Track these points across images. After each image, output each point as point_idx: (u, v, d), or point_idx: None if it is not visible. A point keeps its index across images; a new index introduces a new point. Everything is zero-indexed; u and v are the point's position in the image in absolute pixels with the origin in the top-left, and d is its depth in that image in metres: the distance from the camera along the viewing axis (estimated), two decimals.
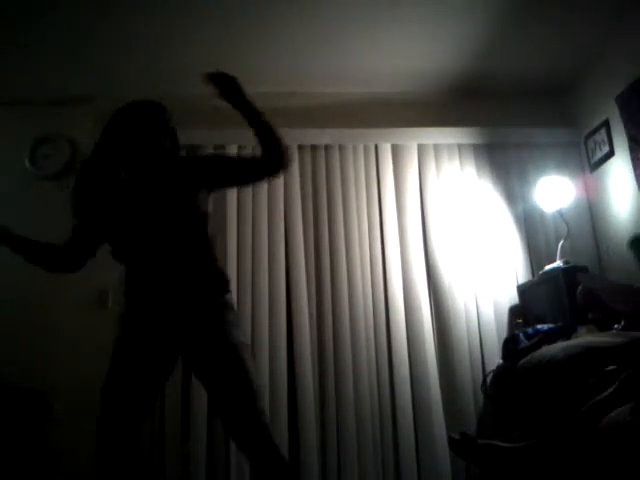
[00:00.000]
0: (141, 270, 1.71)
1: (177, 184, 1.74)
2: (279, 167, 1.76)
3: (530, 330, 2.56)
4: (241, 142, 2.97)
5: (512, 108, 3.34)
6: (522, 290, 3.03)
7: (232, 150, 3.05)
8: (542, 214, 3.19)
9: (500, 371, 2.68)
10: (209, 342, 1.64)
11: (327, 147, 3.21)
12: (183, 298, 1.68)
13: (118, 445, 1.66)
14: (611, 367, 1.70)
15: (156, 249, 1.69)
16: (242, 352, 1.65)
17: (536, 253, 3.15)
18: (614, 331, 2.20)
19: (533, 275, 3.07)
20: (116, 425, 1.67)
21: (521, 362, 2.31)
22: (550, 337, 2.40)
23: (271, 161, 1.74)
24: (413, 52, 3.04)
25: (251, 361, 1.69)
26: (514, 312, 3.01)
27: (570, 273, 2.67)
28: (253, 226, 3.02)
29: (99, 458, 1.67)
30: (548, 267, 2.86)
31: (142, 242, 1.70)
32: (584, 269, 2.74)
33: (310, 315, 2.92)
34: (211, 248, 1.78)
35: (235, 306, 1.80)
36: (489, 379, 2.75)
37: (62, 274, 1.91)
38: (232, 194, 3.01)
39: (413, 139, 3.25)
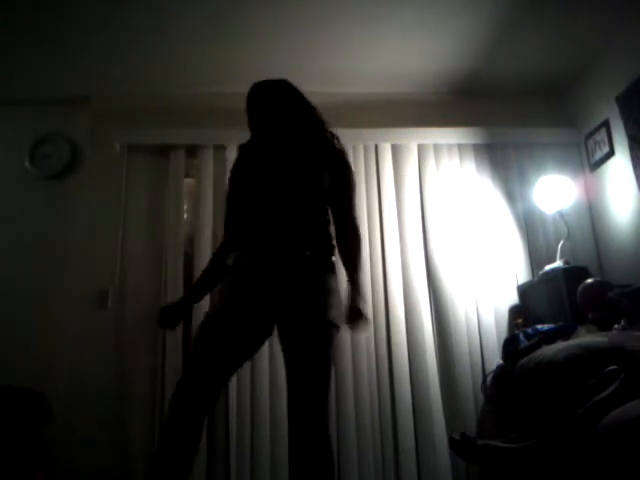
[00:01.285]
0: (257, 224, 1.74)
1: (311, 157, 1.81)
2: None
3: (530, 330, 2.56)
4: (240, 142, 2.95)
5: (512, 108, 3.34)
6: (522, 290, 3.03)
7: (232, 150, 3.05)
8: (542, 214, 3.18)
9: (500, 371, 2.68)
10: (306, 312, 1.64)
11: None
12: (289, 249, 1.69)
13: (192, 410, 1.60)
14: (612, 367, 1.70)
15: (277, 206, 1.73)
16: (333, 340, 1.65)
17: (536, 253, 3.15)
18: (614, 331, 2.20)
19: (533, 275, 3.06)
20: (200, 385, 1.61)
21: (521, 362, 2.31)
22: (550, 337, 2.39)
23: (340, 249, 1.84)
24: (413, 52, 3.04)
25: (337, 346, 1.69)
26: (514, 312, 3.01)
27: (570, 273, 2.67)
28: None
29: (169, 422, 1.61)
30: (548, 267, 2.86)
31: (269, 197, 1.75)
32: (584, 269, 2.74)
33: None
34: (327, 221, 1.82)
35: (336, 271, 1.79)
36: (489, 379, 2.75)
37: None
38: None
39: (413, 139, 3.25)
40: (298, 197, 1.75)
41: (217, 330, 1.67)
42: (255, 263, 1.70)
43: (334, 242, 1.81)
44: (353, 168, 1.93)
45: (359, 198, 3.12)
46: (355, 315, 1.72)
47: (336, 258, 1.79)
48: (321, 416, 1.59)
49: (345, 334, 2.86)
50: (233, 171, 1.89)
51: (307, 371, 1.61)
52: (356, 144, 3.22)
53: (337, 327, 1.67)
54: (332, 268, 1.76)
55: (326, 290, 1.69)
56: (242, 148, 1.93)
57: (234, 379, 2.75)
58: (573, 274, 2.66)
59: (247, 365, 2.76)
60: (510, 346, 2.60)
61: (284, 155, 1.80)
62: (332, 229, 1.83)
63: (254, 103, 1.87)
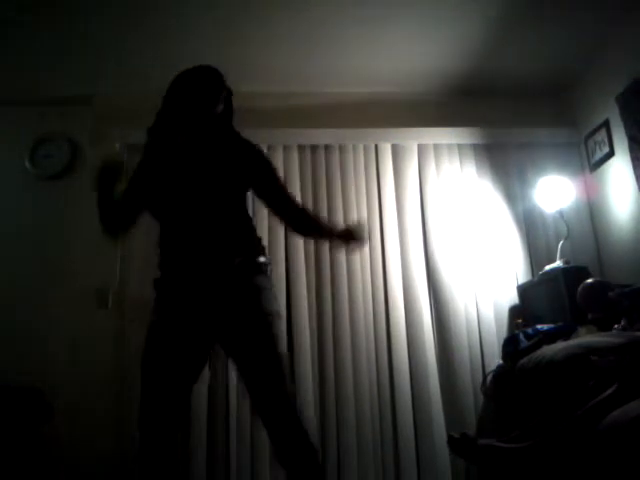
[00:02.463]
0: (177, 231, 1.71)
1: (228, 157, 1.75)
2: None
3: (530, 330, 2.56)
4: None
5: (512, 108, 3.34)
6: (522, 290, 3.03)
7: None
8: (542, 214, 3.18)
9: (500, 371, 2.68)
10: (242, 310, 1.61)
11: (327, 147, 3.21)
12: (217, 258, 1.66)
13: (161, 437, 1.57)
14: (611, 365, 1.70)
15: (196, 211, 1.69)
16: (274, 325, 1.63)
17: (536, 253, 3.15)
18: (614, 331, 2.20)
19: (533, 275, 3.06)
20: (159, 413, 1.58)
21: (521, 362, 2.31)
22: (550, 337, 2.40)
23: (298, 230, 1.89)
24: (413, 52, 3.04)
25: (282, 335, 1.66)
26: (514, 312, 3.01)
27: (570, 273, 2.67)
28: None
29: (142, 450, 1.57)
30: (548, 267, 2.86)
31: (184, 203, 1.70)
32: (584, 269, 2.74)
33: (310, 316, 2.92)
34: (249, 220, 1.80)
35: (270, 271, 1.77)
36: (489, 379, 2.75)
37: (110, 233, 1.91)
38: None
39: (413, 139, 3.25)
40: (221, 205, 1.71)
41: (161, 350, 1.62)
42: (182, 279, 1.66)
43: (263, 244, 1.79)
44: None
45: (359, 198, 3.14)
46: (347, 234, 1.74)
47: (266, 259, 1.74)
48: (287, 403, 1.57)
49: (345, 334, 2.88)
50: (145, 160, 1.82)
51: (259, 364, 1.58)
52: (356, 144, 3.22)
53: (273, 315, 1.65)
54: (261, 268, 1.71)
55: (257, 288, 1.65)
56: (151, 133, 1.84)
57: (234, 379, 2.75)
58: (573, 274, 2.66)
59: None
60: (510, 346, 2.60)
61: (203, 156, 1.74)
62: (258, 234, 1.80)
63: (189, 88, 1.77)
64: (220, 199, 1.71)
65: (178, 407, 1.61)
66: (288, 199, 1.82)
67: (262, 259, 1.72)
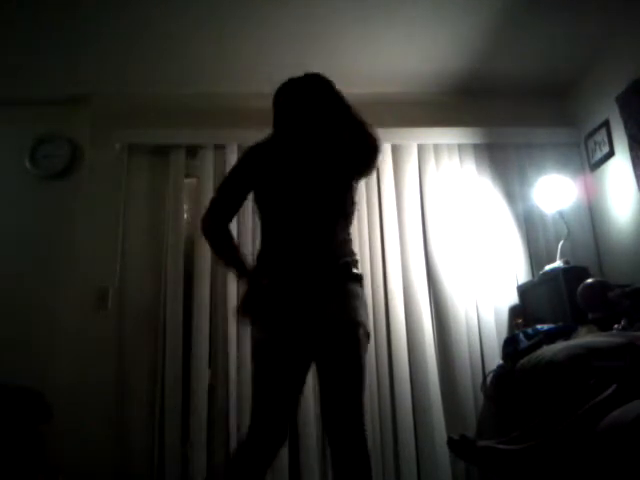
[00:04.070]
0: (283, 239, 1.72)
1: (340, 168, 1.76)
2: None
3: (530, 330, 2.56)
4: (240, 142, 2.97)
5: (512, 108, 3.34)
6: (522, 290, 3.02)
7: (232, 150, 3.05)
8: (542, 214, 3.18)
9: (500, 371, 2.68)
10: (335, 324, 1.62)
11: None
12: (323, 259, 1.67)
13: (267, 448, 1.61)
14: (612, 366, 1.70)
15: (305, 222, 1.70)
16: (362, 342, 1.63)
17: (536, 253, 3.15)
18: (614, 331, 2.20)
19: (533, 275, 3.06)
20: (271, 427, 1.61)
21: (521, 362, 2.31)
22: (550, 337, 2.40)
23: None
24: (413, 52, 3.04)
25: (366, 357, 1.67)
26: (514, 312, 3.01)
27: (570, 273, 2.67)
28: (253, 229, 3.00)
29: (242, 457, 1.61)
30: (548, 267, 2.86)
31: (295, 213, 1.71)
32: (584, 269, 2.74)
33: None
34: (349, 239, 1.79)
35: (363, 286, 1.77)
36: (489, 379, 2.75)
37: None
38: None
39: (413, 139, 3.25)
40: (332, 215, 1.73)
41: (274, 366, 1.64)
42: (291, 283, 1.67)
43: (357, 258, 1.79)
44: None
45: (359, 198, 3.13)
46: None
47: (359, 272, 1.75)
48: (359, 421, 1.59)
49: None
50: (257, 169, 1.80)
51: (341, 376, 1.59)
52: None
53: (365, 331, 1.66)
54: (357, 278, 1.72)
55: (352, 294, 1.67)
56: (261, 148, 1.83)
57: (234, 379, 2.75)
58: (573, 274, 2.65)
59: (247, 365, 2.77)
60: (510, 346, 2.60)
61: (318, 167, 1.75)
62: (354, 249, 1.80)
63: (290, 101, 1.82)
64: (334, 214, 1.73)
65: (287, 421, 1.65)
66: None
67: (357, 271, 1.74)
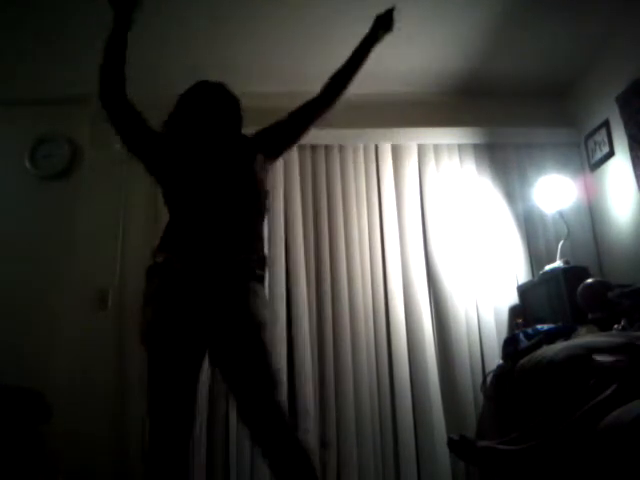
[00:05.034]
0: (187, 223, 1.69)
1: (240, 156, 1.77)
2: (339, 93, 1.93)
3: (530, 330, 2.56)
4: None
5: (512, 108, 3.34)
6: (522, 290, 3.02)
7: None
8: (542, 214, 3.18)
9: (500, 371, 2.68)
10: (234, 316, 1.59)
11: (327, 147, 3.21)
12: (217, 253, 1.63)
13: (174, 447, 1.54)
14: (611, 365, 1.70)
15: (208, 208, 1.69)
16: (264, 334, 1.60)
17: (536, 253, 3.15)
18: (614, 331, 2.20)
19: (533, 275, 3.06)
20: (171, 424, 1.55)
21: (521, 362, 2.31)
22: (550, 337, 2.39)
23: (335, 87, 1.93)
24: (413, 52, 3.04)
25: (271, 344, 1.63)
26: (514, 312, 3.01)
27: (570, 273, 2.67)
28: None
29: (152, 462, 1.53)
30: (548, 267, 2.86)
31: (197, 197, 1.70)
32: (584, 269, 2.74)
33: (310, 320, 2.91)
34: (260, 227, 1.78)
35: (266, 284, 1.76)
36: (489, 379, 2.75)
37: (102, 85, 1.93)
38: None
39: (413, 139, 3.25)
40: (238, 202, 1.71)
41: (165, 346, 1.57)
42: (186, 266, 1.62)
43: (266, 253, 1.78)
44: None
45: (359, 198, 3.14)
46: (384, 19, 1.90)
47: (264, 273, 1.73)
48: (277, 415, 1.52)
49: (345, 334, 2.87)
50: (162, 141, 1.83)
51: (246, 371, 1.55)
52: (356, 144, 3.23)
53: (263, 322, 1.62)
54: (259, 279, 1.69)
55: (252, 292, 1.63)
56: (166, 139, 1.85)
57: None
58: (573, 274, 2.65)
59: None
60: (510, 346, 2.60)
61: (219, 155, 1.76)
62: (264, 244, 1.80)
63: (202, 104, 1.82)
64: (233, 196, 1.71)
65: (189, 405, 1.59)
66: (297, 110, 1.87)
67: (260, 272, 1.70)
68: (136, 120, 1.84)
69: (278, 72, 3.12)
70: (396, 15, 1.94)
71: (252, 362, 1.56)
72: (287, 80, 3.15)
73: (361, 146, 3.24)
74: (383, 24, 1.93)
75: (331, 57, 3.01)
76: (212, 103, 1.82)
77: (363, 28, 2.80)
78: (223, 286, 1.61)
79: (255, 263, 1.68)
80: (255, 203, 1.77)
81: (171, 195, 1.78)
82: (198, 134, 1.80)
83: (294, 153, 3.14)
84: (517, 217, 3.20)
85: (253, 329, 1.59)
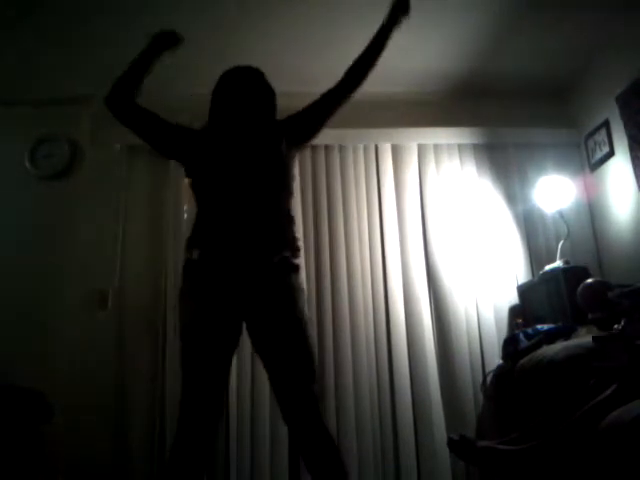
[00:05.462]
0: (218, 215, 1.70)
1: (269, 142, 1.78)
2: (360, 80, 1.96)
3: (530, 330, 2.56)
4: None
5: (512, 108, 3.34)
6: (522, 290, 3.03)
7: None
8: (542, 214, 3.19)
9: (500, 371, 2.68)
10: (274, 311, 1.64)
11: (327, 147, 3.21)
12: (257, 254, 1.66)
13: (203, 432, 1.58)
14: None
15: (238, 198, 1.70)
16: (306, 328, 1.65)
17: (536, 253, 3.15)
18: (614, 331, 2.20)
19: (533, 275, 3.06)
20: (202, 408, 1.59)
21: (521, 362, 2.32)
22: (550, 337, 2.40)
23: (357, 74, 1.95)
24: (413, 52, 3.04)
25: (313, 339, 1.69)
26: (514, 312, 3.01)
27: (570, 273, 2.67)
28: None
29: (180, 445, 1.57)
30: (548, 267, 2.86)
31: (227, 187, 1.71)
32: (584, 269, 2.74)
33: (310, 316, 2.91)
34: (291, 219, 1.79)
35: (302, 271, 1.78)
36: (489, 379, 2.75)
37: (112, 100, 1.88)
38: None
39: (413, 139, 3.25)
40: (268, 198, 1.72)
41: (199, 342, 1.62)
42: (220, 263, 1.65)
43: (300, 244, 1.80)
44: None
45: (359, 198, 3.14)
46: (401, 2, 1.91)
47: (299, 259, 1.76)
48: (314, 408, 1.59)
49: (345, 333, 2.87)
50: (196, 145, 1.81)
51: (288, 369, 1.61)
52: (356, 144, 3.23)
53: (307, 318, 1.68)
54: (295, 269, 1.73)
55: (291, 287, 1.68)
56: (200, 133, 1.86)
57: (235, 378, 2.75)
58: (573, 274, 2.65)
59: (247, 368, 2.78)
60: (510, 346, 2.60)
61: (250, 152, 1.76)
62: (296, 229, 1.81)
63: (242, 91, 1.82)
64: (268, 193, 1.72)
65: (219, 399, 1.63)
66: (325, 96, 1.90)
67: (297, 261, 1.74)
68: (152, 119, 1.84)
69: (278, 72, 3.10)
70: None
71: (294, 354, 1.61)
72: (287, 80, 3.14)
73: (361, 146, 3.24)
74: (401, 7, 1.94)
75: (331, 57, 3.03)
76: (245, 90, 1.82)
77: (362, 28, 2.79)
78: (262, 283, 1.65)
79: (290, 256, 1.71)
80: (284, 184, 1.78)
81: (201, 186, 1.78)
82: (230, 123, 1.81)
83: None
84: (517, 217, 3.20)
85: (297, 324, 1.64)
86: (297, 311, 1.66)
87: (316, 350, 1.68)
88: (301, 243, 1.85)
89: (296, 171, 3.12)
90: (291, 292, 1.67)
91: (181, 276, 1.70)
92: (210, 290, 1.64)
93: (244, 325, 1.70)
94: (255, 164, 1.73)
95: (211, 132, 1.82)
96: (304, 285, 1.78)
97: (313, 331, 1.72)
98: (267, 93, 1.87)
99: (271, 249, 1.68)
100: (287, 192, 1.80)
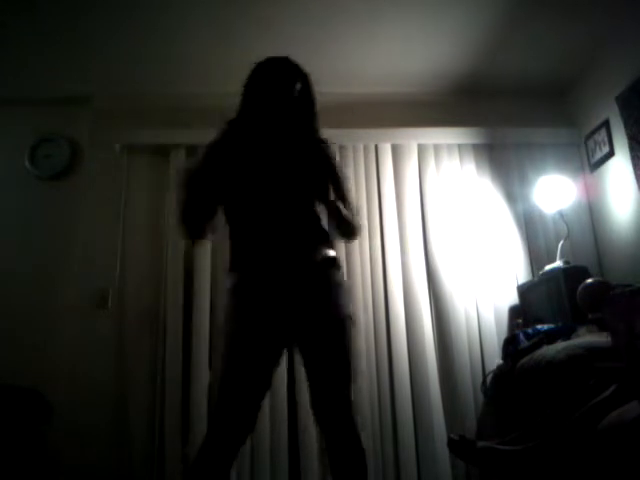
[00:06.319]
0: (254, 235, 1.68)
1: (310, 161, 1.75)
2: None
3: (530, 330, 2.55)
4: None
5: (512, 108, 3.34)
6: (522, 290, 3.02)
7: None
8: (542, 214, 3.18)
9: (500, 371, 2.68)
10: (320, 313, 1.62)
11: None
12: (299, 254, 1.65)
13: (232, 445, 1.56)
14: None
15: (278, 209, 1.67)
16: (349, 330, 1.64)
17: (536, 253, 3.15)
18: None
19: (533, 275, 3.06)
20: (237, 423, 1.56)
21: (521, 362, 2.31)
22: (550, 337, 2.39)
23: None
24: (413, 52, 3.04)
25: (354, 340, 1.67)
26: (514, 312, 3.01)
27: (570, 273, 2.67)
28: None
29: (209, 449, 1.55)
30: (548, 267, 2.86)
31: (264, 205, 1.68)
32: (584, 269, 2.74)
33: None
34: (319, 215, 1.76)
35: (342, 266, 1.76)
36: (489, 379, 2.75)
37: (194, 235, 1.79)
38: None
39: (413, 139, 3.25)
40: (301, 202, 1.71)
41: (248, 359, 1.59)
42: (259, 282, 1.64)
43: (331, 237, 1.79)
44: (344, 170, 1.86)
45: (359, 198, 3.14)
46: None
47: (335, 251, 1.75)
48: (348, 411, 1.58)
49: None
50: (221, 154, 1.74)
51: (328, 368, 1.60)
52: (356, 144, 3.22)
53: (351, 319, 1.67)
54: (334, 263, 1.71)
55: (334, 284, 1.67)
56: (229, 129, 1.80)
57: None
58: (573, 274, 2.65)
59: None
60: (510, 346, 2.60)
61: (285, 153, 1.73)
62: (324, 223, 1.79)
63: (279, 81, 1.82)
64: (301, 196, 1.71)
65: (254, 416, 1.61)
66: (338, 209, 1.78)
67: (334, 252, 1.72)
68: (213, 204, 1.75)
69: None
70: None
71: (334, 359, 1.60)
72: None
73: (361, 146, 3.24)
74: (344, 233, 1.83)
75: (331, 58, 3.03)
76: (287, 94, 1.81)
77: (363, 29, 2.81)
78: (306, 289, 1.64)
79: (326, 252, 1.69)
80: (313, 195, 1.74)
81: (234, 209, 1.74)
82: (268, 129, 1.76)
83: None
84: (517, 217, 3.20)
85: (340, 324, 1.63)
86: (340, 310, 1.64)
87: (353, 352, 1.65)
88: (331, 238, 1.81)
89: None
90: (335, 288, 1.66)
91: (228, 296, 1.67)
92: (255, 307, 1.62)
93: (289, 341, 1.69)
94: (293, 177, 1.70)
95: (243, 140, 1.75)
96: (345, 281, 1.76)
97: (354, 332, 1.69)
98: (310, 98, 1.85)
99: (311, 249, 1.67)
100: (314, 193, 1.76)
